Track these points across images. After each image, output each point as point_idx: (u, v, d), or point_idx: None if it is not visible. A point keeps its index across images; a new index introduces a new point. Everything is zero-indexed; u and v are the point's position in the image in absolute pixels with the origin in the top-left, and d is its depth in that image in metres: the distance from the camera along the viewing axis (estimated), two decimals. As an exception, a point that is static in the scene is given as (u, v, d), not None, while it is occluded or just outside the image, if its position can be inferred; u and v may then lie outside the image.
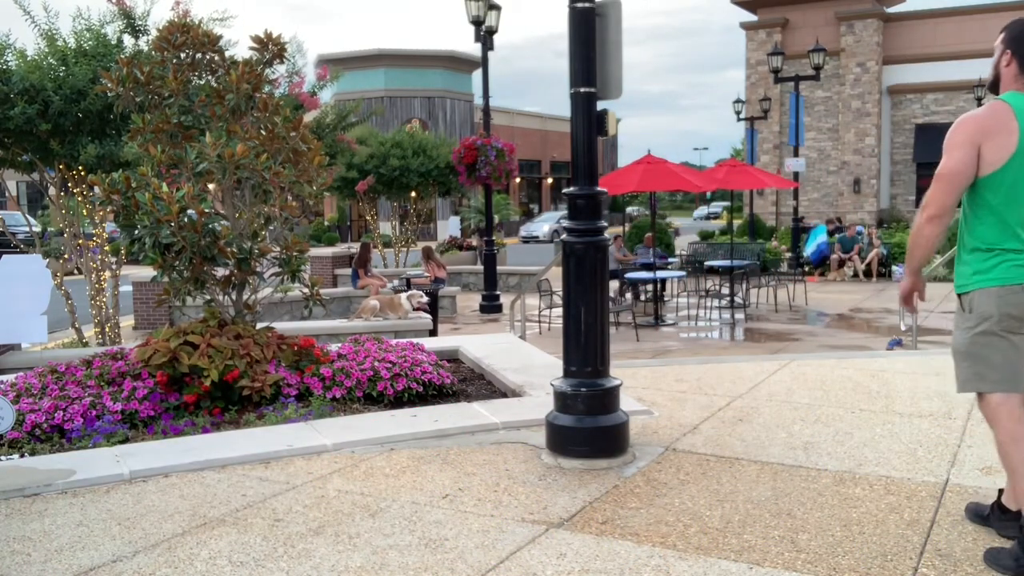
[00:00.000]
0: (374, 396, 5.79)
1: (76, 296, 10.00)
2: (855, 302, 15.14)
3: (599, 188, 4.61)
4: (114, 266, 10.02)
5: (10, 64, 8.73)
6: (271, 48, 6.50)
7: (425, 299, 9.49)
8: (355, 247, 18.04)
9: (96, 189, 7.57)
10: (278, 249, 6.32)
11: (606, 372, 4.57)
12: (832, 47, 29.28)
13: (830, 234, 20.72)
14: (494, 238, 15.87)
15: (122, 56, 7.78)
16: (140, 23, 9.15)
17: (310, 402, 5.58)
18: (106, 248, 9.46)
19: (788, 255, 20.41)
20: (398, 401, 5.81)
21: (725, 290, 14.87)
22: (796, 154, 21.61)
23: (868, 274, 18.96)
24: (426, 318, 9.38)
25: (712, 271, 16.35)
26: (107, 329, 9.92)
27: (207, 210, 5.70)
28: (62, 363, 5.93)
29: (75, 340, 9.67)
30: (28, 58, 8.84)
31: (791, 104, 22.13)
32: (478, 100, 26.60)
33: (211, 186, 6.19)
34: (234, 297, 6.24)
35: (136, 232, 5.78)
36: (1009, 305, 3.13)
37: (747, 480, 4.15)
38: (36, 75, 8.53)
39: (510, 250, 25.89)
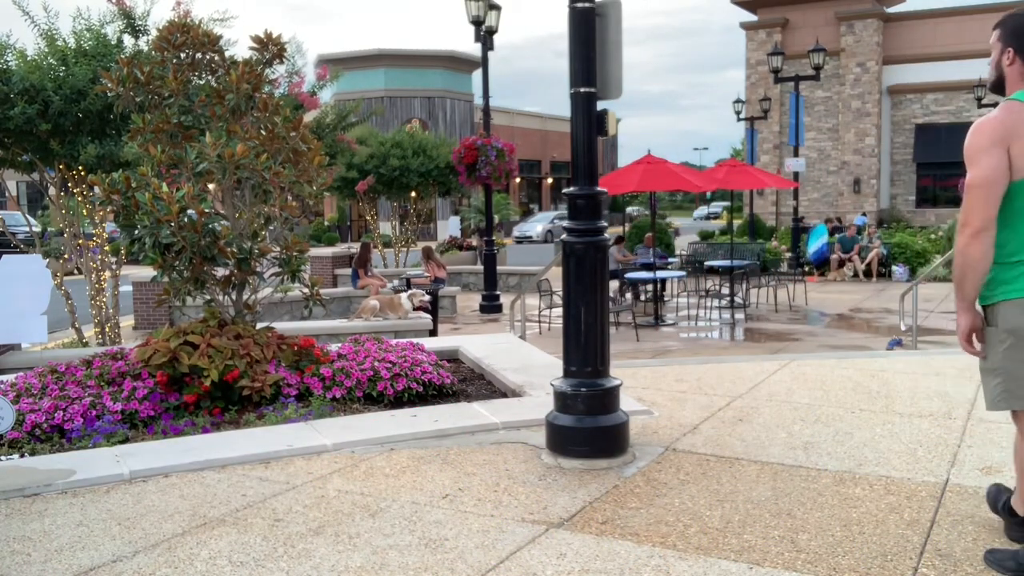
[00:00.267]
0: (374, 396, 5.80)
1: (76, 296, 10.00)
2: (855, 302, 15.14)
3: (599, 188, 4.61)
4: (114, 266, 10.02)
5: (10, 64, 8.73)
6: (271, 48, 6.50)
7: (427, 298, 9.49)
8: (355, 247, 18.05)
9: (96, 189, 7.57)
10: (278, 249, 6.32)
11: (606, 372, 4.57)
12: (832, 47, 29.30)
13: (830, 234, 20.72)
14: (494, 238, 15.88)
15: (122, 56, 7.78)
16: (140, 23, 9.15)
17: (310, 402, 5.58)
18: (106, 248, 9.46)
19: (788, 255, 20.41)
20: (398, 401, 5.81)
21: (725, 290, 14.87)
22: (796, 154, 21.62)
23: (868, 274, 18.96)
24: (426, 318, 9.38)
25: (712, 271, 16.35)
26: (107, 329, 9.92)
27: (207, 210, 5.70)
28: (62, 363, 5.93)
29: (75, 340, 9.67)
30: (28, 58, 8.84)
31: (791, 104, 22.14)
32: (478, 100, 26.62)
33: (211, 186, 6.19)
34: (234, 297, 6.24)
35: (136, 232, 5.78)
36: None
37: (747, 480, 4.15)
38: (36, 75, 8.54)
39: (510, 250, 25.90)
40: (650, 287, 14.49)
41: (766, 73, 27.22)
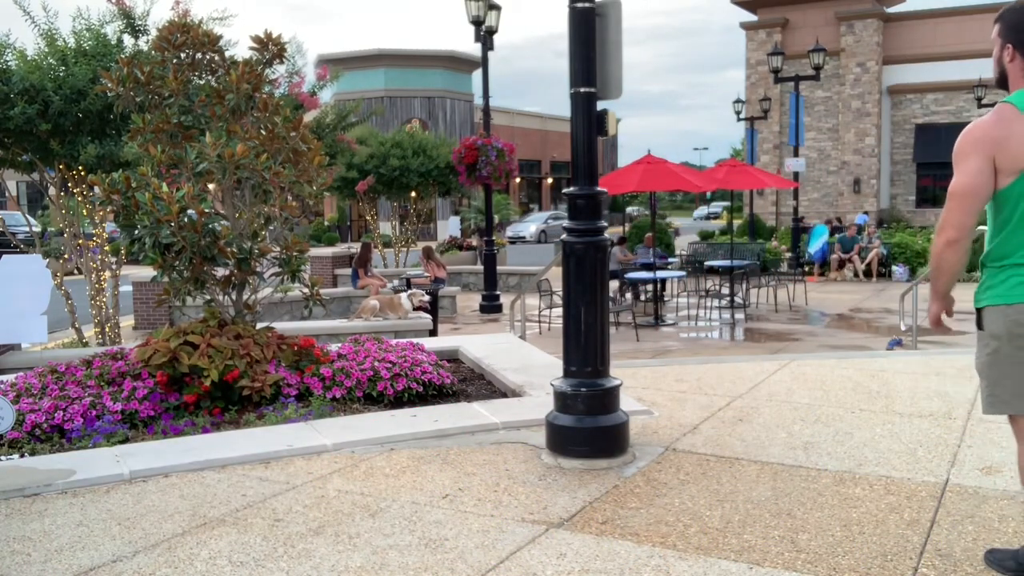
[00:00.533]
0: (374, 396, 5.80)
1: (76, 296, 10.00)
2: (855, 302, 15.14)
3: (599, 188, 4.61)
4: (114, 266, 10.02)
5: (10, 64, 8.73)
6: (271, 48, 6.50)
7: (426, 298, 9.49)
8: (355, 247, 18.04)
9: (96, 189, 7.57)
10: (278, 249, 6.32)
11: (606, 372, 4.57)
12: (832, 47, 29.31)
13: (830, 234, 20.72)
14: (494, 238, 15.88)
15: (122, 56, 7.78)
16: (140, 23, 9.15)
17: (310, 402, 5.58)
18: (106, 248, 9.46)
19: (788, 255, 20.41)
20: (398, 401, 5.81)
21: (725, 290, 14.87)
22: (796, 154, 21.62)
23: (868, 274, 18.96)
24: (426, 318, 9.38)
25: (712, 271, 16.35)
26: (107, 329, 9.92)
27: (207, 210, 5.70)
28: (62, 363, 5.93)
29: (75, 340, 9.67)
30: (28, 58, 8.84)
31: (791, 104, 22.14)
32: (478, 100, 26.62)
33: (211, 186, 6.19)
34: (234, 297, 6.24)
35: (136, 232, 5.78)
36: (1018, 323, 2.89)
37: (747, 480, 4.15)
38: (36, 75, 8.54)
39: (509, 250, 25.89)
40: (650, 287, 14.49)
41: (766, 73, 27.22)
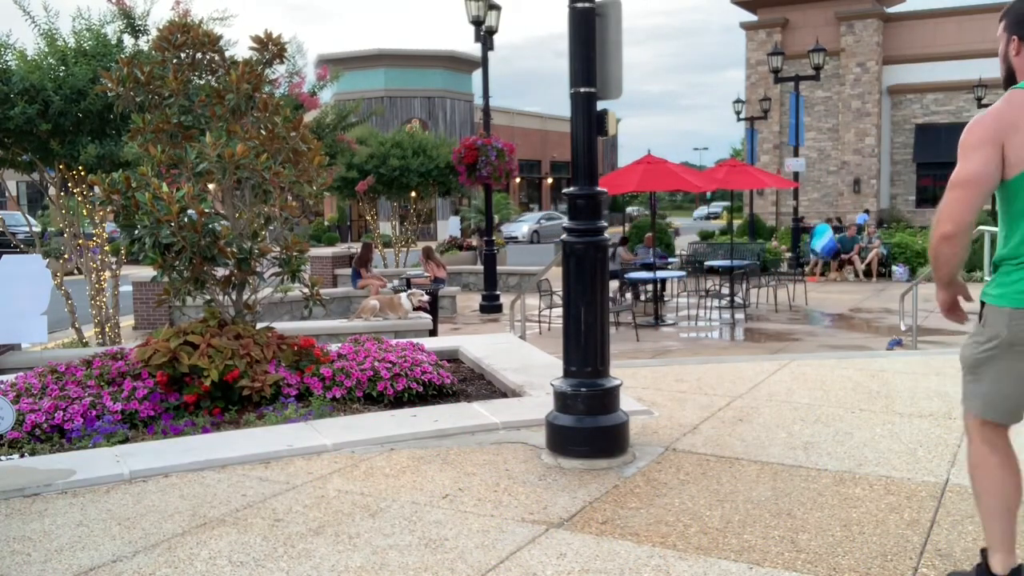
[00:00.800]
0: (374, 396, 5.80)
1: (76, 296, 10.00)
2: (855, 302, 15.14)
3: (599, 188, 4.61)
4: (114, 266, 10.02)
5: (10, 64, 8.73)
6: (271, 48, 6.50)
7: (425, 298, 9.49)
8: (355, 247, 18.03)
9: (96, 189, 7.57)
10: (278, 249, 6.32)
11: (606, 372, 4.57)
12: (832, 47, 29.31)
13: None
14: (494, 238, 15.88)
15: (122, 56, 7.78)
16: (140, 23, 9.15)
17: (310, 402, 5.58)
18: (106, 248, 9.46)
19: (788, 255, 20.41)
20: (398, 401, 5.81)
21: (725, 290, 14.87)
22: (796, 154, 21.62)
23: (868, 274, 18.97)
24: (426, 318, 9.38)
25: (712, 271, 16.35)
26: (107, 329, 9.92)
27: (207, 210, 5.70)
28: (62, 363, 5.93)
29: (75, 340, 9.67)
30: (28, 58, 8.84)
31: (791, 104, 22.15)
32: (478, 100, 26.61)
33: (211, 186, 6.19)
34: (234, 297, 6.24)
35: (136, 232, 5.78)
36: (1022, 331, 2.73)
37: (747, 480, 4.15)
38: (36, 75, 8.54)
39: (510, 250, 25.88)
40: (650, 287, 14.49)
41: (766, 73, 27.23)
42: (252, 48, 6.49)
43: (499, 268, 15.98)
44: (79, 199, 9.60)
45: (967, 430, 2.96)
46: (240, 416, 5.48)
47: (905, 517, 3.64)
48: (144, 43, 9.11)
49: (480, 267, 16.65)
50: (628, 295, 15.21)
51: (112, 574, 3.24)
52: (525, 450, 4.69)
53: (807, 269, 18.90)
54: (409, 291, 9.61)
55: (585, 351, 4.52)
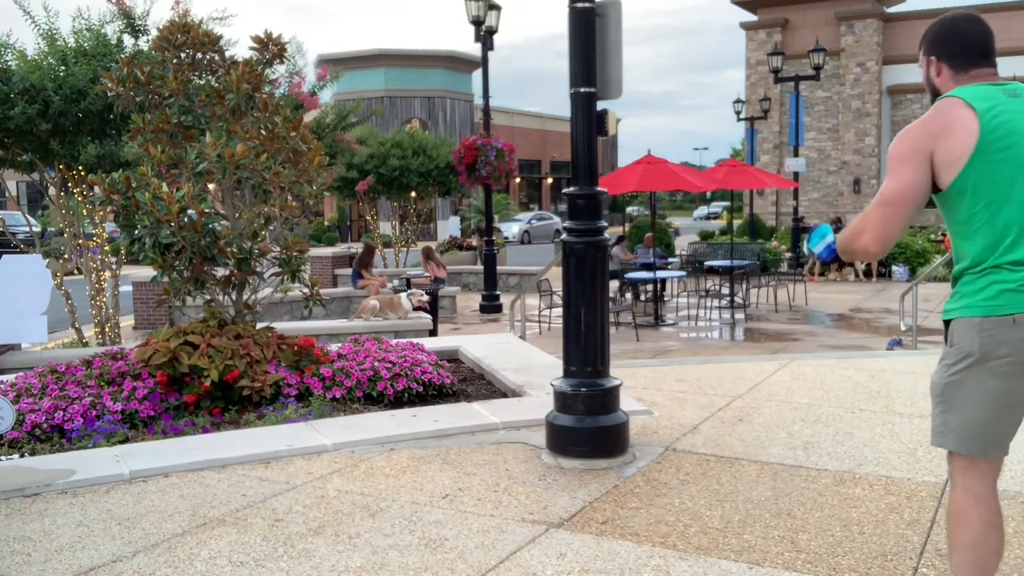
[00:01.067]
0: (374, 396, 5.80)
1: (76, 296, 10.00)
2: (855, 302, 15.14)
3: (599, 188, 4.61)
4: (114, 266, 10.02)
5: (10, 64, 8.73)
6: (271, 48, 6.50)
7: (425, 298, 9.49)
8: (355, 247, 18.03)
9: (96, 189, 7.56)
10: (278, 249, 6.32)
11: (606, 372, 4.57)
12: (832, 47, 29.30)
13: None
14: (494, 238, 15.88)
15: (122, 56, 7.78)
16: (140, 23, 9.15)
17: (310, 402, 5.58)
18: (106, 248, 9.46)
19: (788, 255, 20.40)
20: (398, 401, 5.81)
21: (725, 290, 14.87)
22: (796, 154, 21.62)
23: (868, 274, 18.96)
24: (426, 318, 9.38)
25: (712, 271, 16.34)
26: (107, 329, 9.92)
27: (207, 210, 5.70)
28: (62, 363, 5.93)
29: (75, 340, 9.66)
30: (28, 58, 8.84)
31: (791, 104, 22.15)
32: (478, 100, 26.60)
33: (211, 186, 6.20)
34: (234, 297, 6.24)
35: (136, 232, 5.79)
36: (996, 343, 2.41)
37: (747, 480, 4.15)
38: (36, 75, 8.54)
39: (510, 250, 25.88)
40: (650, 287, 14.49)
41: (766, 73, 27.22)
42: (252, 48, 6.49)
43: (499, 268, 15.98)
44: (79, 199, 9.60)
45: (950, 475, 2.62)
46: (240, 416, 5.48)
47: (905, 517, 3.64)
48: (144, 43, 9.11)
49: (480, 267, 16.65)
50: (628, 295, 15.21)
51: (112, 574, 3.24)
52: (525, 450, 4.69)
53: (806, 268, 18.89)
54: (409, 291, 9.61)
55: (585, 351, 4.53)
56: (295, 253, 6.29)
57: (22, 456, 4.75)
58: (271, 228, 6.40)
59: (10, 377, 5.91)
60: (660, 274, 13.99)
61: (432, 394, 6.03)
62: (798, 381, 6.32)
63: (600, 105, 4.54)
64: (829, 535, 3.47)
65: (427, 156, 20.37)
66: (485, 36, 14.39)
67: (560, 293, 4.84)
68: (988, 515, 2.53)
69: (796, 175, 21.20)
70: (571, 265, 4.56)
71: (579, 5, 4.44)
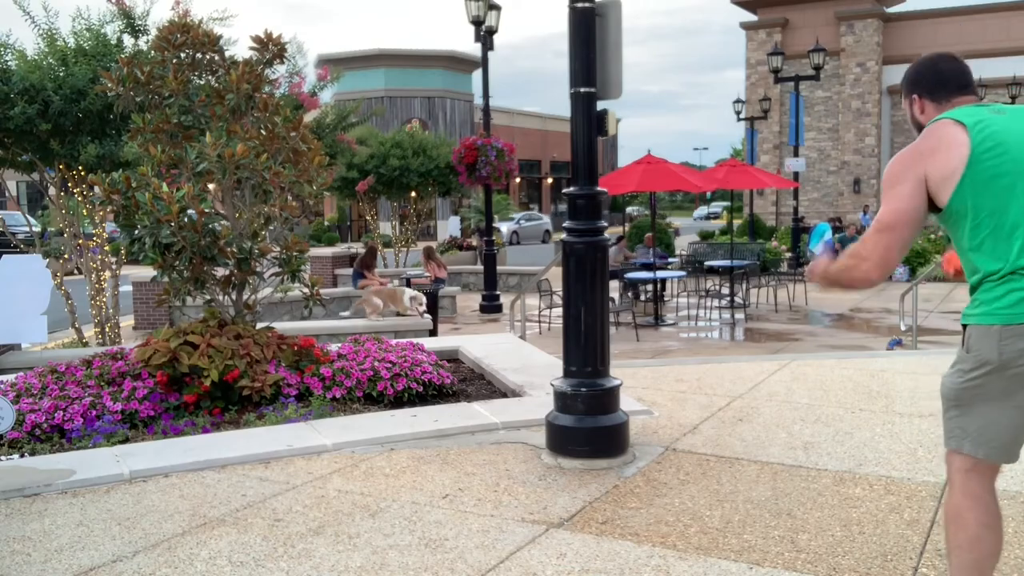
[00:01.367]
0: (374, 396, 5.80)
1: (76, 296, 10.00)
2: (855, 302, 15.14)
3: (599, 188, 4.61)
4: (114, 266, 10.03)
5: (10, 64, 8.73)
6: (271, 48, 6.50)
7: (424, 307, 9.50)
8: (355, 247, 18.02)
9: (96, 189, 7.57)
10: (278, 249, 6.32)
11: (606, 372, 4.57)
12: (832, 47, 29.31)
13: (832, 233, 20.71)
14: (494, 238, 15.88)
15: (122, 56, 7.77)
16: (140, 23, 9.15)
17: (310, 402, 5.58)
18: (106, 248, 9.46)
19: (788, 255, 20.40)
20: (398, 401, 5.81)
21: (725, 290, 14.87)
22: (796, 154, 21.62)
23: (868, 274, 18.95)
24: (426, 318, 9.39)
25: (712, 271, 16.34)
26: (107, 329, 9.92)
27: (207, 210, 5.70)
28: (62, 363, 5.93)
29: (75, 340, 9.67)
30: (28, 58, 8.85)
31: (791, 104, 22.15)
32: (478, 100, 26.59)
33: (211, 186, 6.19)
34: (234, 297, 6.24)
35: (136, 232, 5.79)
36: (1016, 352, 2.39)
37: (747, 480, 4.15)
38: (36, 75, 8.54)
39: (510, 250, 25.88)
40: (650, 287, 14.49)
41: (766, 73, 27.22)
42: (252, 48, 6.49)
43: (499, 268, 15.98)
44: (79, 199, 9.61)
45: (949, 476, 2.61)
46: (240, 416, 5.48)
47: (905, 517, 3.64)
48: (144, 43, 9.11)
49: (480, 267, 16.65)
50: (629, 295, 15.21)
51: (112, 574, 3.24)
52: (525, 450, 4.69)
53: (807, 268, 18.88)
54: (412, 294, 9.61)
55: (585, 351, 4.53)
56: (295, 253, 6.29)
57: (22, 456, 4.75)
58: (271, 228, 6.40)
59: (10, 377, 5.91)
60: (660, 274, 13.99)
61: (432, 394, 6.03)
62: (798, 381, 6.32)
63: (600, 105, 4.54)
64: (829, 535, 3.47)
65: (427, 156, 20.37)
66: (485, 36, 14.38)
67: (560, 293, 4.84)
68: (986, 516, 2.54)
69: (796, 175, 21.21)
70: (571, 265, 4.56)
71: (579, 5, 4.44)
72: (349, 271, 15.52)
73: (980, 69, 26.89)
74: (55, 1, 9.23)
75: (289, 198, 6.36)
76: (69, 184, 9.59)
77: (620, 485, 4.11)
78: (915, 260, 18.58)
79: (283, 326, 7.53)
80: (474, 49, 18.31)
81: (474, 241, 22.83)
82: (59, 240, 9.96)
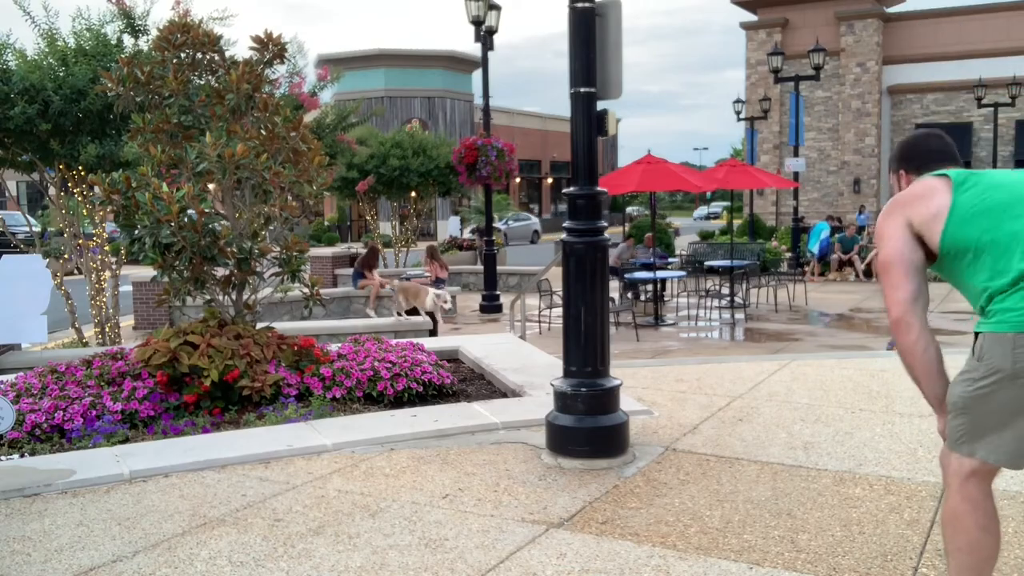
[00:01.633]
0: (374, 396, 5.80)
1: (76, 296, 10.00)
2: (855, 302, 15.13)
3: (599, 188, 4.61)
4: (114, 266, 10.03)
5: (10, 64, 8.73)
6: (271, 48, 6.50)
7: (448, 306, 9.50)
8: (355, 247, 18.02)
9: (96, 189, 7.57)
10: (278, 249, 6.32)
11: (606, 372, 4.58)
12: (832, 47, 29.29)
13: (831, 233, 20.71)
14: (494, 238, 15.88)
15: (122, 56, 7.78)
16: (140, 23, 9.15)
17: (310, 402, 5.58)
18: (106, 248, 9.46)
19: (788, 255, 20.40)
20: (398, 401, 5.81)
21: (725, 290, 14.87)
22: (796, 154, 21.61)
23: (868, 274, 18.96)
24: (451, 315, 9.38)
25: (712, 271, 16.34)
26: (107, 329, 9.92)
27: (207, 210, 5.70)
28: (62, 363, 5.93)
29: (75, 340, 9.67)
30: (28, 58, 8.85)
31: (791, 104, 22.14)
32: (478, 100, 26.60)
33: (211, 186, 6.19)
34: (234, 297, 6.24)
35: (136, 232, 5.79)
36: None
37: (747, 480, 4.15)
38: (36, 75, 8.54)
39: (510, 250, 25.88)
40: (650, 287, 14.49)
41: (766, 73, 27.20)
42: (252, 48, 6.49)
43: (499, 268, 15.97)
44: (79, 199, 9.61)
45: (947, 480, 2.62)
46: (240, 416, 5.48)
47: (905, 517, 3.64)
48: (144, 43, 9.11)
49: (480, 267, 16.65)
50: (629, 295, 15.21)
51: (112, 574, 3.24)
52: (525, 450, 4.69)
53: (807, 270, 18.89)
54: (437, 292, 9.60)
55: (585, 351, 4.53)
56: (295, 253, 6.29)
57: (22, 456, 4.75)
58: (271, 228, 6.40)
59: (10, 377, 5.91)
60: (660, 274, 13.98)
61: (432, 394, 6.03)
62: (798, 381, 6.32)
63: (600, 105, 4.55)
64: (829, 535, 3.47)
65: (427, 156, 20.36)
66: (485, 36, 14.38)
67: (560, 293, 4.85)
68: (984, 520, 2.55)
69: (796, 175, 21.20)
70: (571, 265, 4.56)
71: (579, 5, 4.44)
72: (349, 271, 15.52)
73: (980, 69, 26.98)
74: (55, 1, 9.23)
75: (289, 198, 6.36)
76: (69, 184, 9.59)
77: (620, 485, 4.11)
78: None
79: (283, 326, 7.53)
80: (474, 49, 18.33)
81: (476, 240, 22.83)
82: (59, 240, 9.96)
